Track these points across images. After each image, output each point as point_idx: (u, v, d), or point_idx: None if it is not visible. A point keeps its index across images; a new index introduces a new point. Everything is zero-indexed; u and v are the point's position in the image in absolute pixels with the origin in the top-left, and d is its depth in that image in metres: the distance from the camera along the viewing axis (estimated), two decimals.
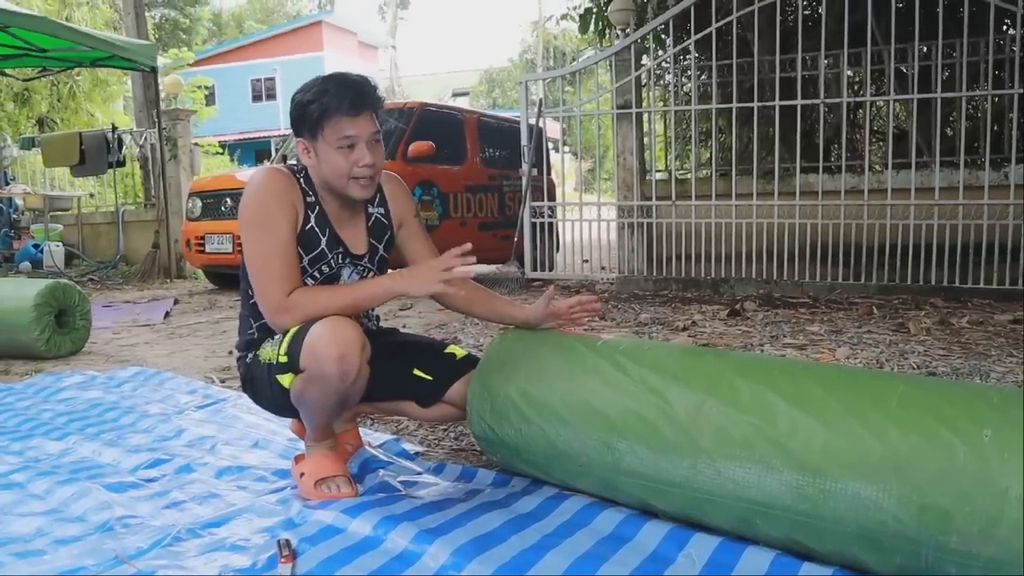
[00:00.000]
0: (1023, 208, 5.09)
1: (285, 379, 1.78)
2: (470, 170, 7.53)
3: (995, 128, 6.01)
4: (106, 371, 3.38)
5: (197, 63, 22.50)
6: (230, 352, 3.84)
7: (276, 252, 1.78)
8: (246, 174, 7.80)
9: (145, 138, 9.13)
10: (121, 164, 9.12)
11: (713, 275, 6.02)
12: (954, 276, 5.20)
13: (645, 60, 6.52)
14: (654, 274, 6.34)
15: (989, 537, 1.22)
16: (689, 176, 6.40)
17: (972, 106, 6.59)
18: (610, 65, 6.42)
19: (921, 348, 3.41)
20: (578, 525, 1.68)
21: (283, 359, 1.76)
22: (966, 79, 5.33)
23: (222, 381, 3.20)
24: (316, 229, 1.87)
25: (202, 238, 6.89)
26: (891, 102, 5.97)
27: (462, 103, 20.89)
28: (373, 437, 2.32)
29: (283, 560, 1.52)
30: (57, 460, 2.19)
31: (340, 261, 1.92)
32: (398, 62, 39.20)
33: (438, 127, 7.12)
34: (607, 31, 7.59)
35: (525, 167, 6.72)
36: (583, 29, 7.99)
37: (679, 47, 6.22)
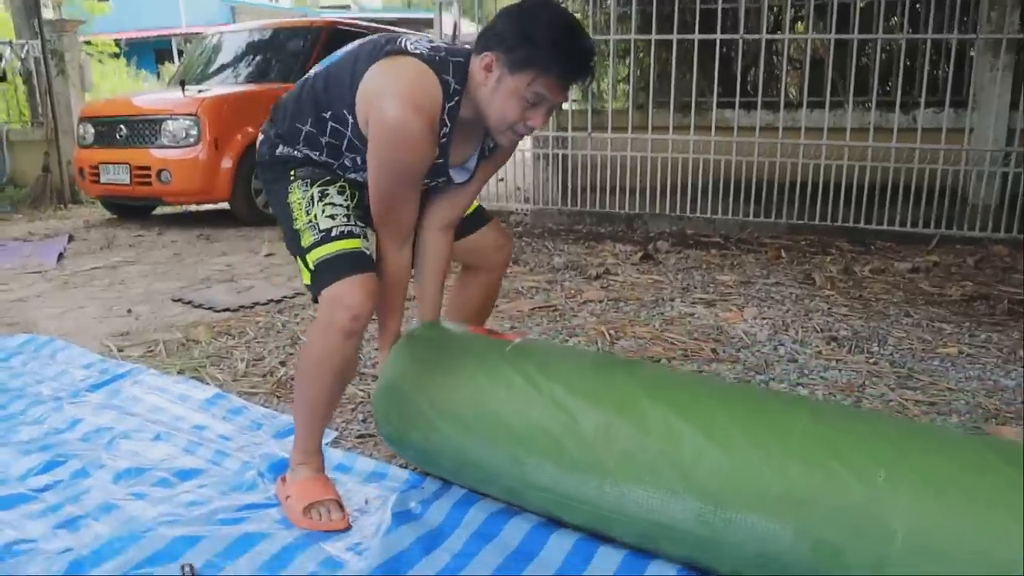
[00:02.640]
0: (929, 152, 5.23)
1: (305, 274, 1.75)
2: None
3: (907, 64, 6.09)
4: None
5: None
6: (128, 311, 3.66)
7: (402, 199, 1.74)
8: (143, 99, 7.14)
9: (27, 51, 8.42)
10: (2, 79, 8.47)
11: (627, 209, 6.03)
12: (859, 217, 5.35)
13: None
14: (568, 206, 6.31)
15: None
16: (606, 108, 6.30)
17: (887, 50, 6.67)
18: None
19: (825, 306, 3.51)
20: (486, 538, 1.69)
21: (305, 274, 1.74)
22: (882, 20, 5.37)
23: (120, 349, 3.06)
24: (431, 163, 1.73)
25: (96, 167, 6.44)
26: (809, 39, 5.96)
27: None
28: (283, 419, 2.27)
29: None
30: None
31: (427, 183, 1.83)
32: None
33: None
34: None
35: None
36: None
37: None
